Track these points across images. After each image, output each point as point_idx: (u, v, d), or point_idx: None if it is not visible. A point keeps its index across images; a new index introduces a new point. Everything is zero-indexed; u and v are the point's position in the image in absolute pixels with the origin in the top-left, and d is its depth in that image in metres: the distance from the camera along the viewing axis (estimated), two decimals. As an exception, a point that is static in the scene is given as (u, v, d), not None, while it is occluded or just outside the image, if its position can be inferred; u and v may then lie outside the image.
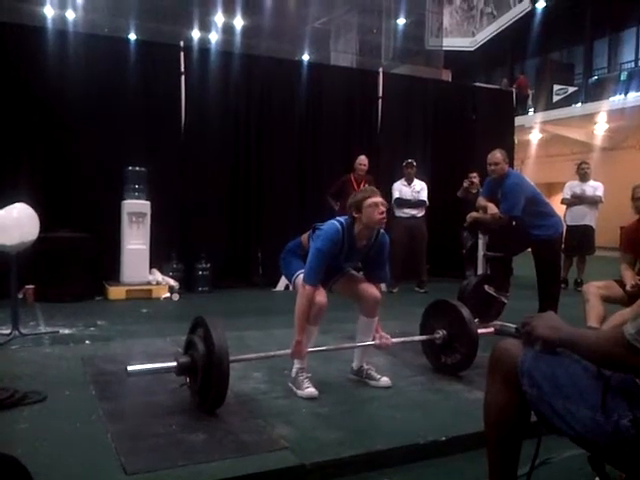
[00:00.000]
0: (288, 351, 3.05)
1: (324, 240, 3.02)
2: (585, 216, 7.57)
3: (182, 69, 7.04)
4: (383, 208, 3.03)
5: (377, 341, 3.26)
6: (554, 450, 2.32)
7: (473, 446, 2.39)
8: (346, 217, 3.10)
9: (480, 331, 3.43)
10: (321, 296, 3.05)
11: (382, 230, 3.19)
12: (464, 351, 3.35)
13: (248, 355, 3.16)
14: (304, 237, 3.30)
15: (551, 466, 2.34)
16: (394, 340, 3.33)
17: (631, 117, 14.21)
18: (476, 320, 4.82)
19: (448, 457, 2.49)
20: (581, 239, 7.48)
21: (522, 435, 1.74)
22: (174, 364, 2.73)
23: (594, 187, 7.63)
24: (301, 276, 3.11)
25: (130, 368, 2.69)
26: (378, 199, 3.02)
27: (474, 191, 7.78)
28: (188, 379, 2.80)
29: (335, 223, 3.08)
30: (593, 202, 7.61)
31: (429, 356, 3.61)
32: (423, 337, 3.55)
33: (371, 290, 3.23)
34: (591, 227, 7.62)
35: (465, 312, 3.40)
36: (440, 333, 3.44)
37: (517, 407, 1.67)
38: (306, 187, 7.70)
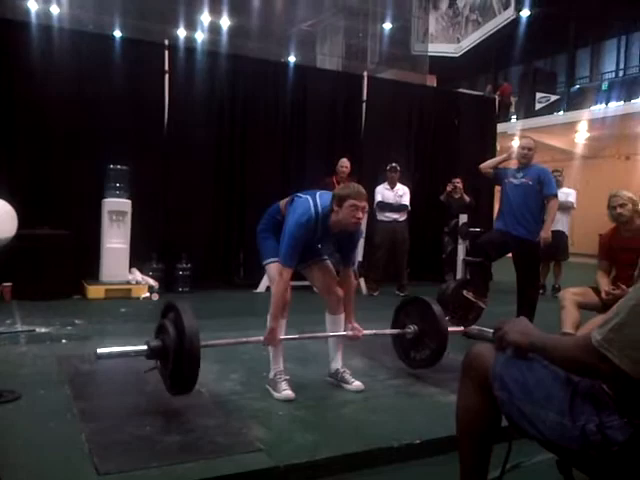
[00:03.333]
0: (261, 338, 3.04)
1: (297, 226, 3.01)
2: (558, 222, 7.69)
3: (166, 68, 7.01)
4: (361, 215, 3.04)
5: (349, 332, 3.30)
6: (525, 454, 2.35)
7: (447, 449, 2.42)
8: (327, 200, 3.09)
9: (450, 329, 3.47)
10: (286, 292, 3.09)
11: None
12: (434, 347, 3.40)
13: (219, 340, 3.15)
14: (282, 203, 3.31)
15: (521, 470, 2.37)
16: (366, 332, 3.35)
17: (612, 126, 14.40)
18: (446, 317, 4.92)
19: (422, 460, 2.51)
20: (555, 245, 7.59)
21: (493, 439, 1.76)
22: (144, 347, 2.71)
23: (566, 194, 7.82)
24: (273, 265, 3.13)
25: (100, 350, 2.68)
26: (361, 204, 3.02)
27: (457, 196, 7.86)
28: (159, 363, 2.77)
29: (310, 209, 3.05)
30: (566, 208, 7.77)
31: (399, 352, 3.65)
32: (395, 330, 3.60)
33: (334, 289, 3.27)
34: (564, 233, 7.78)
35: (437, 308, 3.46)
36: (411, 328, 3.49)
37: (488, 411, 1.70)
38: (289, 188, 7.65)
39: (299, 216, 3.03)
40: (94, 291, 6.07)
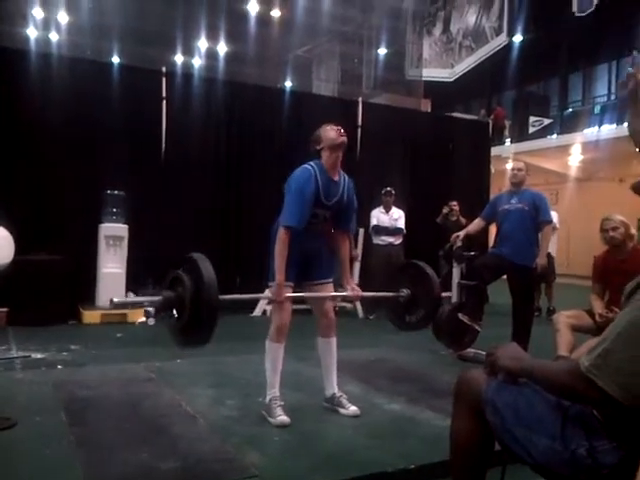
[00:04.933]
0: (269, 294, 3.07)
1: (297, 180, 3.08)
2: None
3: (164, 94, 7.10)
4: (341, 130, 3.18)
5: (349, 292, 3.34)
6: (518, 478, 2.35)
7: (441, 474, 2.41)
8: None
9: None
10: (286, 315, 3.10)
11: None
12: (428, 306, 3.49)
13: (237, 295, 3.36)
14: None
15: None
16: (365, 294, 3.49)
17: (604, 149, 14.53)
18: (450, 351, 4.93)
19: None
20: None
21: (486, 463, 1.77)
22: (158, 298, 2.68)
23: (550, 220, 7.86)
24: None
25: (115, 299, 2.78)
26: (334, 126, 3.20)
27: (453, 218, 7.89)
28: (172, 316, 2.70)
29: (306, 166, 3.16)
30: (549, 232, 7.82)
31: (394, 320, 3.72)
32: (390, 294, 3.63)
33: (329, 313, 3.30)
34: (550, 254, 7.81)
35: (428, 270, 3.55)
36: (404, 292, 3.54)
37: (481, 435, 1.71)
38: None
39: (296, 176, 3.12)
40: (90, 316, 6.06)
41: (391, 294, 3.62)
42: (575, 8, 14.03)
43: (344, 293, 3.39)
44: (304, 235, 3.10)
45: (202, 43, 19.69)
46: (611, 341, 1.32)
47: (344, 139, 3.18)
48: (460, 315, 4.91)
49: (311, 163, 3.18)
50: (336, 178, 3.20)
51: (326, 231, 3.32)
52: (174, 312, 2.64)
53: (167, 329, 2.71)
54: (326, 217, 3.23)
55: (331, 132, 3.17)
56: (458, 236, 5.18)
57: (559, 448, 1.48)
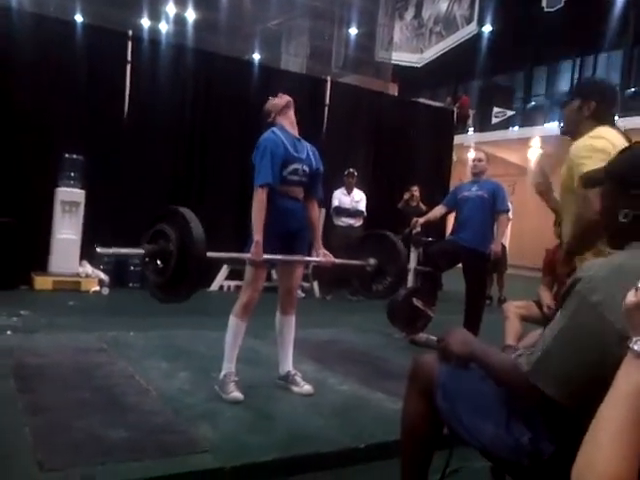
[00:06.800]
0: (248, 255, 3.04)
1: (263, 142, 3.14)
2: None
3: (129, 58, 6.92)
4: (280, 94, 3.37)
5: (321, 258, 3.38)
6: (465, 460, 2.44)
7: (390, 454, 2.48)
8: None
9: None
10: (256, 293, 3.12)
11: None
12: (395, 272, 3.56)
13: (224, 254, 3.26)
14: None
15: (459, 475, 2.46)
16: (337, 260, 3.48)
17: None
18: (404, 335, 5.03)
19: (366, 464, 2.57)
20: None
21: (435, 445, 1.84)
22: (142, 250, 2.65)
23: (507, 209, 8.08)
24: (249, 268, 3.12)
25: (99, 249, 2.73)
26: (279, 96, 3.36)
27: (414, 204, 7.99)
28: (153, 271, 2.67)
29: (266, 133, 3.24)
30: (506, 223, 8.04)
31: (362, 291, 3.81)
32: (358, 262, 3.70)
33: (294, 292, 3.36)
34: (502, 244, 8.03)
35: (394, 238, 3.65)
36: (372, 261, 3.62)
37: (431, 418, 1.76)
38: (248, 188, 7.66)
39: (264, 137, 3.19)
40: (42, 282, 5.94)
41: (360, 262, 3.66)
42: (545, 3, 14.24)
43: (316, 258, 3.41)
44: (288, 204, 3.16)
45: (170, 8, 19.18)
46: (548, 345, 1.37)
47: (287, 97, 3.36)
48: (415, 300, 5.02)
49: (271, 129, 3.28)
50: (298, 136, 3.34)
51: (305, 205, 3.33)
52: (158, 264, 2.60)
53: (148, 284, 2.68)
54: (305, 172, 3.24)
55: (274, 100, 3.36)
56: (417, 220, 5.27)
57: (504, 436, 1.54)
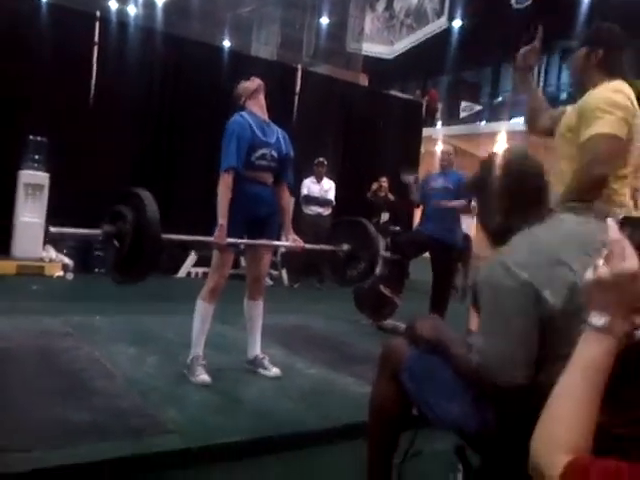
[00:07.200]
0: (211, 238, 3.02)
1: (230, 126, 3.13)
2: (462, 224, 8.11)
3: (96, 39, 6.78)
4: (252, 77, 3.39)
5: (291, 243, 3.39)
6: (430, 441, 2.49)
7: (356, 435, 2.52)
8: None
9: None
10: (222, 279, 3.12)
11: None
12: (368, 257, 3.53)
13: (181, 236, 3.24)
14: None
15: (423, 456, 2.51)
16: (307, 246, 3.46)
17: (526, 140, 15.16)
18: (371, 321, 5.08)
19: (332, 445, 2.60)
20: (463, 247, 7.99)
21: (402, 427, 1.88)
22: (99, 231, 2.62)
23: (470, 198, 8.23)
24: (216, 253, 3.11)
25: (53, 229, 2.66)
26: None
27: (382, 194, 8.05)
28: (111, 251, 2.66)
29: (234, 116, 3.23)
30: (468, 211, 8.16)
31: (334, 277, 3.75)
32: (330, 247, 3.66)
33: (262, 279, 3.38)
34: (467, 235, 8.16)
35: (366, 222, 3.63)
36: (345, 246, 3.59)
37: (400, 400, 1.80)
38: (216, 172, 7.61)
39: (231, 121, 3.17)
40: (4, 266, 5.80)
41: (331, 247, 3.64)
42: (513, 0, 14.43)
43: (285, 243, 3.40)
44: (255, 189, 3.15)
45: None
46: (482, 342, 1.48)
47: (259, 81, 3.36)
48: (382, 287, 5.07)
49: (240, 113, 3.26)
50: (267, 120, 3.32)
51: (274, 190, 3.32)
52: (116, 244, 2.59)
53: (107, 265, 2.66)
54: (274, 157, 3.23)
55: (245, 83, 3.35)
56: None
57: (470, 414, 1.59)
